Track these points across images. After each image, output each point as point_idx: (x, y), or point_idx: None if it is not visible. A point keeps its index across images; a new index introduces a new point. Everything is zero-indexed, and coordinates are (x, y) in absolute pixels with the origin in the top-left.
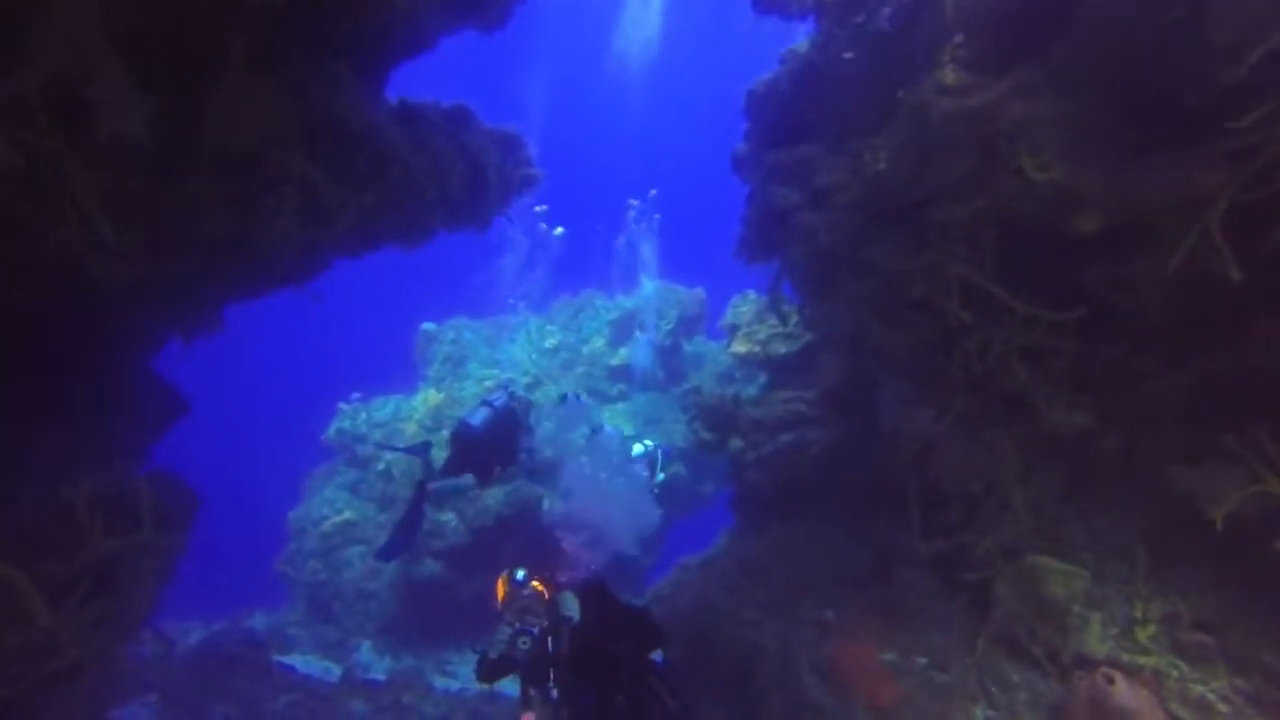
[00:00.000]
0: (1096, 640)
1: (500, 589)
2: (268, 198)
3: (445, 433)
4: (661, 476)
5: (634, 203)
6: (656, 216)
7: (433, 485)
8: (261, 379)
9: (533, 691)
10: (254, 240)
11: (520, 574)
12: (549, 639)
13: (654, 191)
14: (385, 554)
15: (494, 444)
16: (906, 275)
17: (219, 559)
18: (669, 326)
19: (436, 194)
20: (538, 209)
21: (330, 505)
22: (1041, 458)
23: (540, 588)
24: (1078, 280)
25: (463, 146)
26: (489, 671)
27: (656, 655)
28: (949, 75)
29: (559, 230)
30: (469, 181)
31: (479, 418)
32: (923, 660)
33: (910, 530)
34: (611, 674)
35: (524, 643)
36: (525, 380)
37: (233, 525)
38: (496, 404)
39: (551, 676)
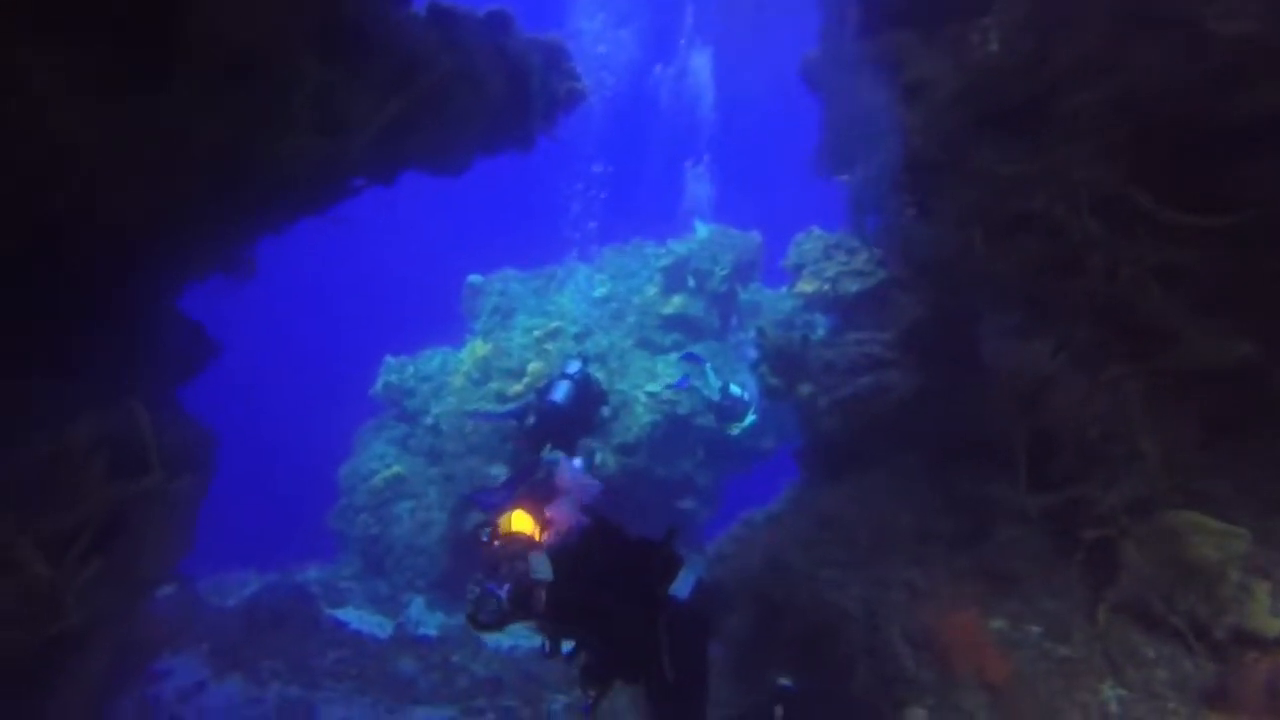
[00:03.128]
0: (1264, 614)
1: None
2: (277, 104)
3: (494, 385)
4: (753, 419)
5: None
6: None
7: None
8: (313, 335)
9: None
10: (265, 156)
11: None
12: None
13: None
14: None
15: (575, 417)
16: (1021, 182)
17: (277, 512)
18: (724, 272)
19: (473, 104)
20: None
21: (379, 460)
22: (1177, 398)
23: (528, 528)
24: (1237, 180)
25: (502, 53)
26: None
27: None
28: None
29: None
30: (510, 92)
31: (561, 393)
32: (1036, 629)
33: (1014, 482)
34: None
35: (491, 605)
36: (575, 330)
37: (290, 479)
38: (574, 375)
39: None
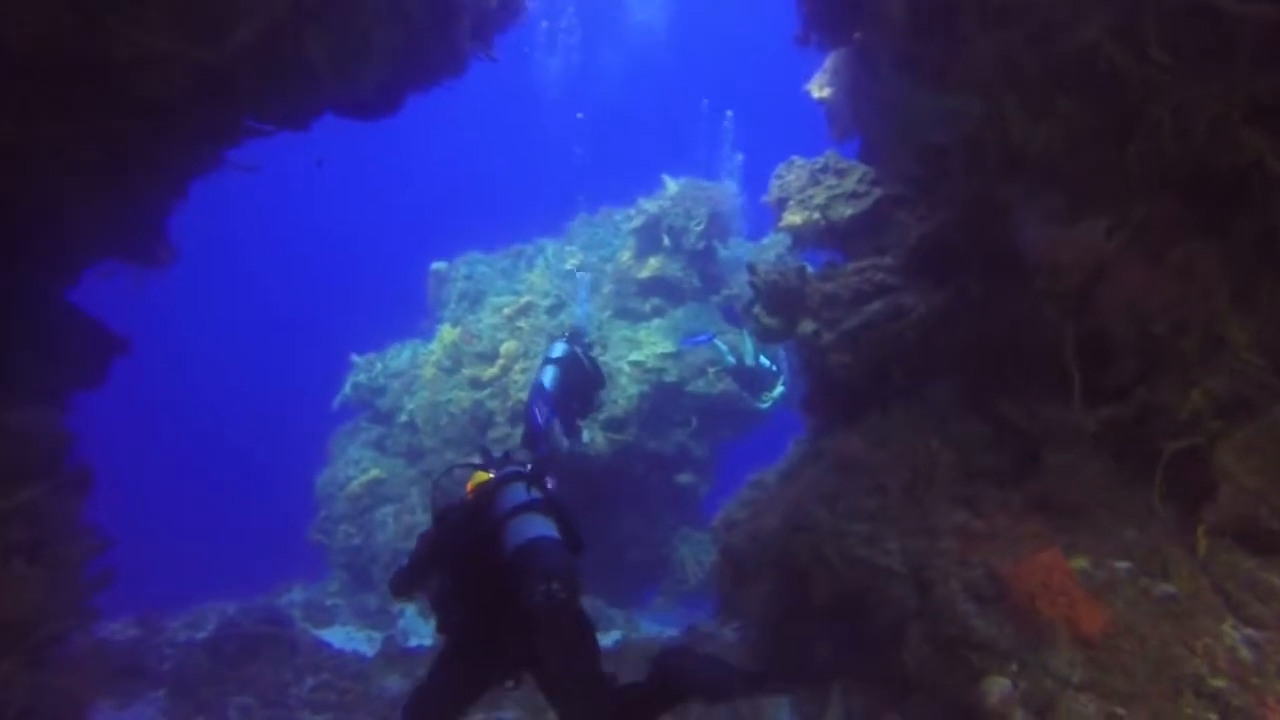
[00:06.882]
0: None
1: None
2: None
3: (466, 371)
4: (782, 390)
5: None
6: None
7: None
8: (278, 349)
9: None
10: (120, 67)
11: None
12: None
13: None
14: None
15: (570, 400)
16: (1069, 19)
17: (260, 538)
18: (699, 227)
19: (385, 6)
20: None
21: (356, 465)
22: (1273, 272)
23: None
24: None
25: None
26: None
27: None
28: None
29: None
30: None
31: (549, 378)
32: (1123, 566)
33: (1067, 399)
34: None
35: None
36: (547, 304)
37: (274, 501)
38: (558, 356)
39: None
